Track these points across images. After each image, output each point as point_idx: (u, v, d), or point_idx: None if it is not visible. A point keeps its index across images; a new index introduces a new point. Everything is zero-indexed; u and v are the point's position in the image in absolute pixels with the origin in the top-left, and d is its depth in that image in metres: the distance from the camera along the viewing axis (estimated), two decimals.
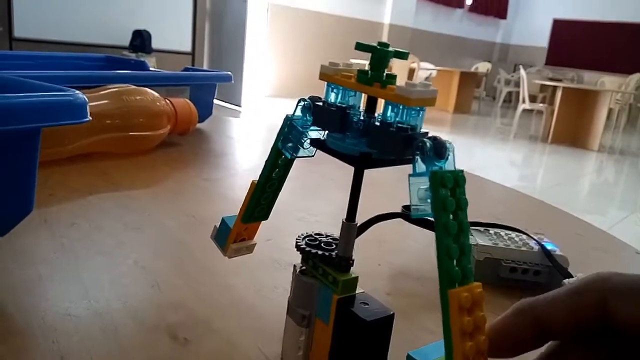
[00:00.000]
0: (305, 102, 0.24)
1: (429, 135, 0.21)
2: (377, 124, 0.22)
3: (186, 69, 0.90)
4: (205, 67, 4.95)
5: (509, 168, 3.86)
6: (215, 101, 0.89)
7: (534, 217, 0.57)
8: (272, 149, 0.25)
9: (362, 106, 0.23)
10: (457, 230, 0.19)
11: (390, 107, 0.21)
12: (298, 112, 0.24)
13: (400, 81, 0.21)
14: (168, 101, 0.71)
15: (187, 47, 4.50)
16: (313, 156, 0.24)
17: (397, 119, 0.21)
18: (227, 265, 0.37)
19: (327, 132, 0.23)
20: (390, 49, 0.21)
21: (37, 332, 0.27)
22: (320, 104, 0.23)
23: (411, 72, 5.08)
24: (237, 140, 0.84)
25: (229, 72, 0.88)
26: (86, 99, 0.31)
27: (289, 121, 0.24)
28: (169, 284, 0.34)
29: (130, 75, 0.72)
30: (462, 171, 0.20)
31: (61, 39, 3.73)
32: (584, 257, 0.45)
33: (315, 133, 0.24)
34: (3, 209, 0.30)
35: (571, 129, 4.74)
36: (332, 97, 0.23)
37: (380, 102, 0.23)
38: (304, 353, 0.26)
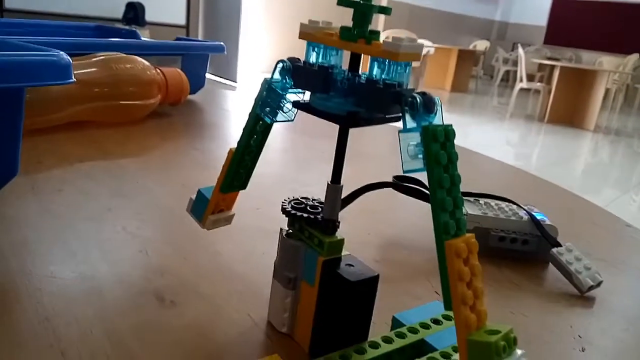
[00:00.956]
0: (285, 64, 0.23)
1: (416, 91, 0.21)
2: (363, 81, 0.21)
3: (178, 39, 0.88)
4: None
5: (505, 147, 3.85)
6: (211, 76, 0.88)
7: (527, 191, 0.57)
8: (249, 114, 0.25)
9: (344, 66, 0.23)
10: (450, 184, 0.19)
11: (376, 64, 0.21)
12: (277, 75, 0.23)
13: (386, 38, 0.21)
14: (159, 70, 0.70)
15: (181, 20, 4.42)
16: (292, 120, 0.24)
17: (383, 76, 0.21)
18: (215, 232, 0.37)
19: (310, 93, 0.23)
20: (373, 3, 0.21)
21: (22, 294, 0.27)
22: (300, 64, 0.23)
23: None
24: (229, 112, 0.83)
25: (221, 43, 0.86)
26: (70, 60, 0.30)
27: (267, 84, 0.24)
28: (156, 250, 0.34)
29: (120, 44, 0.71)
30: (451, 125, 0.20)
31: (52, 10, 3.66)
32: (574, 229, 0.45)
33: (294, 96, 0.23)
34: None
35: (568, 109, 4.73)
36: (312, 57, 0.23)
37: (364, 60, 0.22)
38: (290, 315, 0.26)
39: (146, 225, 0.37)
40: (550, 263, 0.36)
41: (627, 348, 0.29)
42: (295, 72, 0.23)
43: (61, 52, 0.30)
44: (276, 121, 0.24)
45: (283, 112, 0.24)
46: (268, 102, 0.24)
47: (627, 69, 5.91)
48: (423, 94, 0.20)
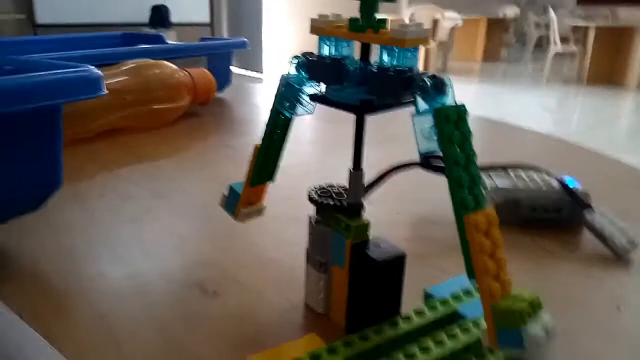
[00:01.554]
0: (299, 59, 0.24)
1: (427, 74, 0.21)
2: (375, 70, 0.22)
3: (202, 39, 0.90)
4: (224, 37, 4.93)
5: (543, 114, 3.73)
6: (237, 70, 0.89)
7: (560, 158, 0.56)
8: (271, 110, 0.26)
9: (355, 55, 0.24)
10: (465, 161, 0.20)
11: (385, 51, 0.21)
12: (292, 71, 0.24)
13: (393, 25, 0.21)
14: (186, 72, 0.72)
15: (206, 18, 4.47)
16: (312, 113, 0.25)
17: (393, 63, 0.21)
18: (250, 224, 0.38)
19: (325, 85, 0.24)
20: None
21: (76, 294, 0.29)
22: (315, 59, 0.24)
23: (435, 23, 4.92)
24: (257, 106, 0.84)
25: (244, 39, 0.88)
26: (101, 73, 0.32)
27: (284, 81, 0.25)
28: (195, 244, 0.36)
29: (145, 50, 0.73)
30: (463, 105, 0.20)
31: (81, 21, 3.78)
32: (609, 192, 0.44)
33: (311, 89, 0.24)
34: (33, 185, 0.32)
35: (606, 69, 4.53)
36: (325, 50, 0.23)
37: (374, 49, 0.23)
38: (324, 296, 0.27)
39: (184, 223, 0.39)
40: (585, 229, 0.36)
41: None
42: (309, 66, 0.24)
43: (91, 67, 0.32)
44: (296, 114, 0.25)
45: (302, 105, 0.25)
46: (287, 97, 0.25)
47: None
48: (433, 77, 0.20)
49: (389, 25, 0.22)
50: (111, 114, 0.62)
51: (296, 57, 0.24)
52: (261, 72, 4.61)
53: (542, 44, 7.49)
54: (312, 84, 0.24)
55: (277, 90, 0.25)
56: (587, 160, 0.55)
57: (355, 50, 0.24)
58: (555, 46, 4.86)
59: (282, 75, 0.25)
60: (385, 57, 0.22)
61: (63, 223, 0.38)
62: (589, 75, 4.58)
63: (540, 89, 4.60)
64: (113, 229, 0.38)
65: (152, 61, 0.69)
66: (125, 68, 0.66)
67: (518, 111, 3.75)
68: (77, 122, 0.59)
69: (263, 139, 0.27)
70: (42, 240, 0.35)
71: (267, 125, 0.26)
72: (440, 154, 0.20)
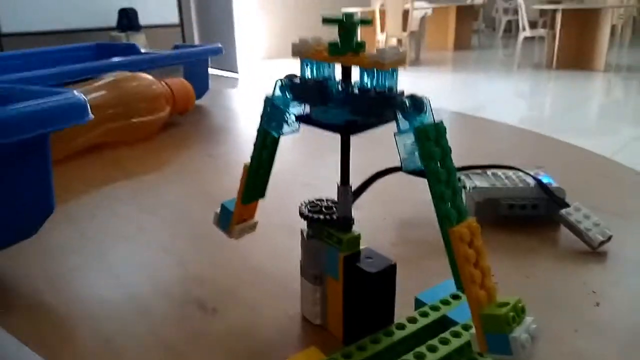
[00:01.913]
0: (283, 81, 0.25)
1: (406, 94, 0.22)
2: (356, 91, 0.23)
3: (176, 47, 0.90)
4: (195, 37, 4.88)
5: (517, 99, 3.80)
6: (212, 71, 0.89)
7: (535, 152, 0.58)
8: (257, 131, 0.27)
9: (336, 76, 0.25)
10: (447, 176, 0.21)
11: (365, 73, 0.23)
12: (277, 92, 0.25)
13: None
14: (164, 83, 0.72)
15: (175, 19, 4.42)
16: (298, 132, 0.26)
17: (374, 83, 0.23)
18: (242, 237, 0.39)
19: (309, 105, 0.25)
20: (355, 19, 0.22)
21: (80, 320, 0.30)
22: (298, 80, 0.25)
23: (405, 13, 4.95)
24: (235, 112, 0.85)
25: (219, 45, 0.88)
26: (86, 98, 0.33)
27: (270, 102, 0.25)
28: (190, 260, 0.36)
29: (122, 63, 0.73)
30: (441, 122, 0.22)
31: (49, 29, 3.69)
32: (582, 186, 0.46)
33: (296, 109, 0.25)
34: (29, 212, 0.33)
35: (575, 52, 4.63)
36: (307, 72, 0.24)
37: (355, 69, 0.24)
38: (321, 308, 0.28)
39: (177, 239, 0.40)
40: (561, 224, 0.38)
41: (639, 299, 0.31)
42: (293, 88, 0.25)
43: (75, 92, 0.33)
44: (283, 134, 0.26)
45: (288, 125, 0.26)
46: (273, 118, 0.26)
47: (632, 1, 5.72)
48: (412, 96, 0.22)
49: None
50: (93, 130, 0.62)
51: (280, 79, 0.25)
52: (236, 72, 4.58)
53: (511, 29, 7.61)
54: (297, 104, 0.25)
55: (263, 111, 0.26)
56: (560, 153, 0.57)
57: (336, 70, 0.25)
58: (524, 31, 4.95)
59: (267, 97, 0.26)
60: (366, 79, 0.23)
61: (58, 246, 0.39)
62: (558, 59, 4.68)
63: (512, 75, 4.68)
64: (108, 249, 0.38)
65: (129, 74, 0.69)
66: (103, 82, 0.65)
67: (492, 98, 3.81)
68: (59, 141, 0.59)
69: (252, 158, 0.28)
70: (40, 266, 0.36)
71: (255, 145, 0.27)
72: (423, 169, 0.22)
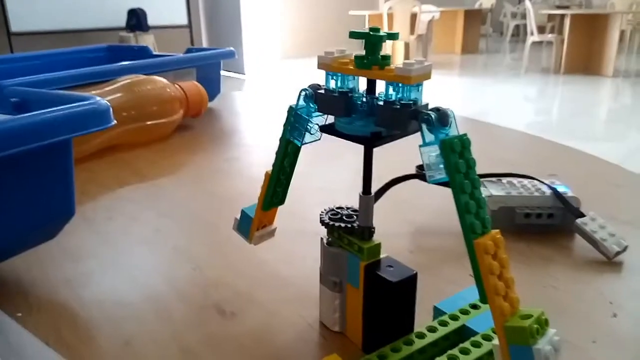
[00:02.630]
0: (307, 92, 0.25)
1: (431, 106, 0.23)
2: (381, 103, 0.23)
3: (189, 50, 0.91)
4: (204, 38, 4.90)
5: (524, 104, 3.79)
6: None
7: (547, 159, 0.58)
8: (280, 139, 0.27)
9: (360, 87, 0.25)
10: (471, 188, 0.21)
11: (391, 86, 0.23)
12: (301, 102, 0.25)
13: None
14: (177, 86, 0.73)
15: (183, 20, 4.44)
16: (320, 139, 0.26)
17: (399, 96, 0.23)
18: None
19: (333, 117, 0.25)
20: (381, 33, 0.23)
21: (100, 322, 0.30)
22: (322, 91, 0.25)
23: (413, 17, 4.95)
24: (246, 115, 0.85)
25: (232, 49, 0.89)
26: (109, 104, 0.33)
27: (293, 111, 0.26)
28: (207, 264, 0.37)
29: (136, 66, 0.74)
30: (466, 134, 0.22)
31: (58, 28, 3.72)
32: (596, 195, 0.46)
33: (318, 118, 0.26)
34: (51, 215, 0.33)
35: (583, 57, 4.61)
36: (332, 84, 0.25)
37: (379, 81, 0.24)
38: (340, 315, 0.28)
39: (193, 242, 0.40)
40: (576, 234, 0.38)
41: None
42: (317, 98, 0.25)
43: (99, 98, 0.33)
44: (305, 143, 0.26)
45: (310, 133, 0.26)
46: (296, 127, 0.26)
47: None
48: (437, 110, 0.22)
49: (392, 61, 0.23)
50: (106, 132, 0.63)
51: (304, 89, 0.26)
52: (243, 74, 4.59)
53: (518, 33, 7.59)
54: (320, 114, 0.26)
55: (286, 121, 0.27)
56: (573, 160, 0.57)
57: (360, 82, 0.25)
58: (532, 35, 4.93)
59: (291, 106, 0.26)
60: (391, 91, 0.23)
61: (76, 248, 0.39)
62: (566, 64, 4.67)
63: (520, 79, 4.66)
64: (125, 251, 0.39)
65: (143, 77, 0.69)
66: (117, 85, 0.66)
67: (500, 103, 3.80)
68: (75, 143, 0.59)
69: (274, 166, 0.28)
70: (60, 267, 0.36)
71: (277, 154, 0.28)
72: (448, 181, 0.22)
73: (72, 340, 0.29)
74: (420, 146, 0.23)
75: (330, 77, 0.25)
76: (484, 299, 0.21)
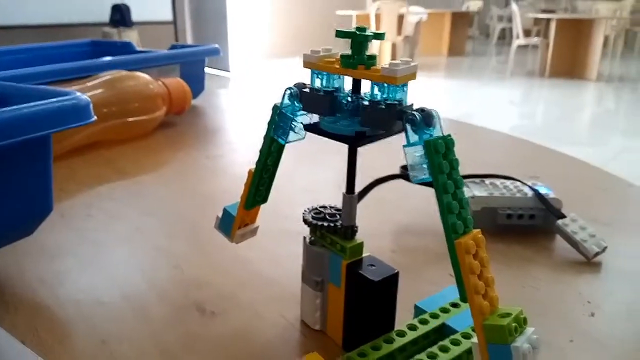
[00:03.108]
0: (292, 90, 0.25)
1: (415, 107, 0.23)
2: (366, 103, 0.23)
3: (173, 47, 0.90)
4: (188, 35, 4.86)
5: (509, 107, 3.84)
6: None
7: (530, 161, 0.59)
8: (264, 138, 0.27)
9: (345, 86, 0.25)
10: (454, 188, 0.21)
11: (376, 86, 0.23)
12: (286, 100, 0.25)
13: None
14: (161, 82, 0.72)
15: (168, 16, 4.40)
16: (304, 139, 0.26)
17: (384, 96, 0.23)
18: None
19: (317, 115, 0.25)
20: (368, 32, 0.23)
21: (76, 320, 0.30)
22: (307, 90, 0.25)
23: (400, 18, 4.97)
24: (231, 112, 0.85)
25: (216, 46, 0.88)
26: (89, 99, 0.32)
27: (278, 110, 0.26)
28: (189, 263, 0.36)
29: (119, 61, 0.73)
30: (450, 135, 0.22)
31: (41, 22, 3.66)
32: (578, 197, 0.47)
33: (303, 117, 0.25)
34: (27, 212, 0.32)
35: (568, 61, 4.68)
36: (317, 83, 0.25)
37: (364, 81, 0.24)
38: (321, 314, 0.28)
39: (175, 241, 0.40)
40: (557, 234, 0.38)
41: (633, 309, 0.31)
42: (302, 97, 0.25)
43: (79, 94, 0.33)
44: (289, 141, 0.26)
45: (294, 132, 0.26)
46: (280, 126, 0.26)
47: (625, 13, 5.80)
48: (422, 110, 0.22)
49: (378, 61, 0.23)
50: (87, 128, 0.62)
51: (289, 88, 0.25)
52: (228, 71, 4.57)
53: (505, 36, 7.68)
54: (305, 113, 0.26)
55: (271, 119, 0.26)
56: (555, 163, 0.58)
57: (345, 81, 0.25)
58: (518, 39, 4.99)
59: (275, 105, 0.26)
60: (376, 91, 0.23)
61: (54, 246, 0.38)
62: (551, 67, 4.73)
63: (506, 82, 4.72)
64: (104, 250, 0.38)
65: (126, 73, 0.68)
66: (99, 81, 0.65)
67: (485, 105, 3.84)
68: (54, 139, 0.58)
69: (257, 164, 0.28)
70: (36, 265, 0.36)
71: (261, 152, 0.27)
72: (432, 181, 0.22)
73: (48, 339, 0.28)
74: (404, 146, 0.22)
75: (315, 75, 0.25)
76: (464, 297, 0.21)
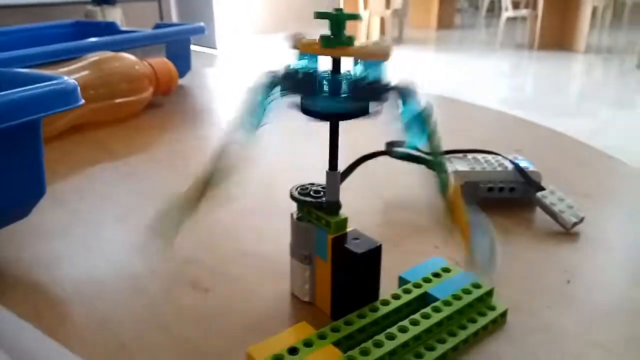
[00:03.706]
0: (272, 73, 0.25)
1: (394, 83, 0.24)
2: (349, 81, 0.24)
3: (157, 26, 0.89)
4: (173, 12, 4.77)
5: (498, 79, 3.84)
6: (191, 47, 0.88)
7: (514, 135, 0.60)
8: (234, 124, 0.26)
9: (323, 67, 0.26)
10: (439, 150, 0.24)
11: (356, 64, 0.24)
12: (263, 84, 0.25)
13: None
14: (146, 63, 0.72)
15: None
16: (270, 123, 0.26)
17: (364, 74, 0.24)
18: (232, 218, 0.40)
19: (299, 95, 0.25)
20: (344, 12, 0.23)
21: (75, 300, 0.31)
22: (291, 72, 0.25)
23: None
24: (218, 92, 0.85)
25: (201, 24, 0.87)
26: (76, 83, 0.33)
27: (255, 92, 0.25)
28: (181, 241, 0.37)
29: (104, 42, 0.72)
30: (430, 105, 0.24)
31: (22, 2, 3.57)
32: (558, 170, 0.48)
33: (283, 99, 0.26)
34: (21, 195, 0.33)
35: (557, 33, 4.68)
36: (298, 64, 0.25)
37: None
38: (310, 286, 0.29)
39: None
40: (537, 206, 0.40)
41: (608, 276, 0.33)
42: (283, 79, 0.25)
43: (67, 78, 0.33)
44: (261, 126, 0.26)
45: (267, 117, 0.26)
46: (257, 109, 0.26)
47: None
48: (400, 85, 0.23)
49: (355, 41, 0.24)
50: (75, 111, 0.62)
51: (269, 71, 0.26)
52: (215, 48, 4.51)
53: (494, 8, 7.62)
54: (284, 95, 0.26)
55: (247, 102, 0.26)
56: (539, 137, 0.59)
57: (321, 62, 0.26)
58: (507, 11, 4.96)
59: (251, 88, 0.26)
60: (357, 70, 0.24)
61: (50, 227, 0.39)
62: (540, 39, 4.72)
63: (495, 55, 4.71)
64: (99, 231, 0.39)
65: (111, 54, 0.68)
66: (85, 63, 0.65)
67: (474, 78, 3.84)
68: (43, 122, 0.59)
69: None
70: (33, 247, 0.36)
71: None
72: (418, 147, 0.24)
73: (48, 317, 0.29)
74: (388, 120, 0.24)
75: (298, 57, 0.25)
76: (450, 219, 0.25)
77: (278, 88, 0.26)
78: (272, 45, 5.18)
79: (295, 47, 0.25)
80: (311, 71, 0.25)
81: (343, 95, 0.24)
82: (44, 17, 0.97)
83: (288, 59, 0.26)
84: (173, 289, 0.32)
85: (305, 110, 0.25)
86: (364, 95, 0.24)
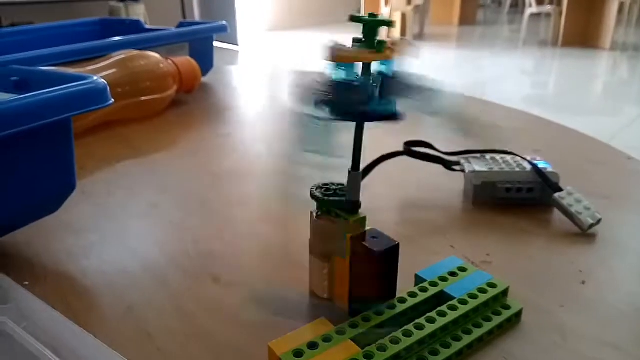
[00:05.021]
0: (316, 94, 0.25)
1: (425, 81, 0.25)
2: (387, 80, 0.25)
3: (181, 24, 0.91)
4: (195, 9, 4.81)
5: (521, 77, 3.78)
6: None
7: (534, 135, 0.60)
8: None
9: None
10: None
11: (386, 65, 0.25)
12: (314, 107, 0.25)
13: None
14: (171, 61, 0.74)
15: None
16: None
17: (397, 72, 0.25)
18: (251, 215, 0.42)
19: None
20: (379, 18, 0.24)
21: (102, 289, 0.32)
22: (335, 84, 0.25)
23: None
24: (240, 90, 0.86)
25: (224, 22, 0.89)
26: (106, 83, 0.34)
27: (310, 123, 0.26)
28: (203, 237, 0.39)
29: (129, 41, 0.74)
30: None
31: None
32: (577, 170, 0.48)
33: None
34: (53, 190, 0.35)
35: (581, 29, 4.58)
36: (340, 75, 0.25)
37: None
38: (328, 283, 0.30)
39: (190, 216, 0.42)
40: (554, 207, 0.40)
41: (623, 278, 0.33)
42: (329, 94, 0.25)
43: (96, 77, 0.34)
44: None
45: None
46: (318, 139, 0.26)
47: None
48: (428, 80, 0.25)
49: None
50: (102, 108, 0.64)
51: (311, 93, 0.25)
52: (237, 45, 4.54)
53: (517, 4, 7.49)
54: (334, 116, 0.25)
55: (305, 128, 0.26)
56: (558, 137, 0.59)
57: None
58: (531, 7, 4.88)
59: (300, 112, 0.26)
60: (387, 69, 0.25)
61: (78, 222, 0.41)
62: (564, 36, 4.64)
63: (517, 52, 4.64)
64: (124, 225, 0.41)
65: (137, 52, 0.70)
66: (111, 61, 0.67)
67: (496, 75, 3.79)
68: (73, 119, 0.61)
69: None
70: (62, 240, 0.38)
71: None
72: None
73: (77, 306, 0.31)
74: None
75: (336, 69, 0.25)
76: None
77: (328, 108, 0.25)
78: (287, 42, 5.19)
79: (335, 59, 0.24)
80: (361, 81, 0.25)
81: (389, 97, 0.25)
82: (68, 14, 0.99)
83: (322, 68, 0.25)
84: (195, 281, 0.33)
85: (338, 111, 0.25)
86: (407, 92, 0.25)
